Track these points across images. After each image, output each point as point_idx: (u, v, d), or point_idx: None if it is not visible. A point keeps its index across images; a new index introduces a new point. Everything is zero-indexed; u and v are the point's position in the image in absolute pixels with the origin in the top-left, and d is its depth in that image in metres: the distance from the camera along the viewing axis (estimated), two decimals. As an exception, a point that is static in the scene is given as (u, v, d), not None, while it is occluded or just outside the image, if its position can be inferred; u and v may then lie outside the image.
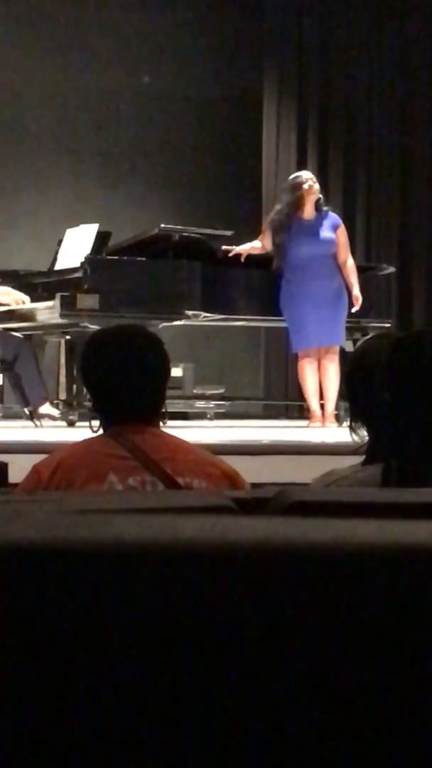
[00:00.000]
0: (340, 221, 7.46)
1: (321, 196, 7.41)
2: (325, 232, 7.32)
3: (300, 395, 7.81)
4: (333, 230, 7.35)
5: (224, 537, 0.78)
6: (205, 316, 7.37)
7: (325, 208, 7.44)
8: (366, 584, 0.79)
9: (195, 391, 9.33)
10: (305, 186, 7.28)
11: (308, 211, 7.30)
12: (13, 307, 7.19)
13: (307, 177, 7.42)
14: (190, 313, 7.21)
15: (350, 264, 7.37)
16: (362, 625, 0.80)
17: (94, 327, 6.39)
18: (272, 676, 0.80)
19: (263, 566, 0.78)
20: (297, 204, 7.28)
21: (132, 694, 0.80)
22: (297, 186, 7.33)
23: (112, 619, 0.79)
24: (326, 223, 7.35)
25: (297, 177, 7.49)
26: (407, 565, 0.80)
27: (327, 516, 0.94)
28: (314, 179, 7.42)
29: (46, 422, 7.03)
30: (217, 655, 0.80)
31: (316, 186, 7.35)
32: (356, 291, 7.30)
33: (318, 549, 0.79)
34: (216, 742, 0.81)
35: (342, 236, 7.38)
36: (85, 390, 3.17)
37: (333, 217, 7.45)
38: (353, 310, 7.29)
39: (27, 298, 7.18)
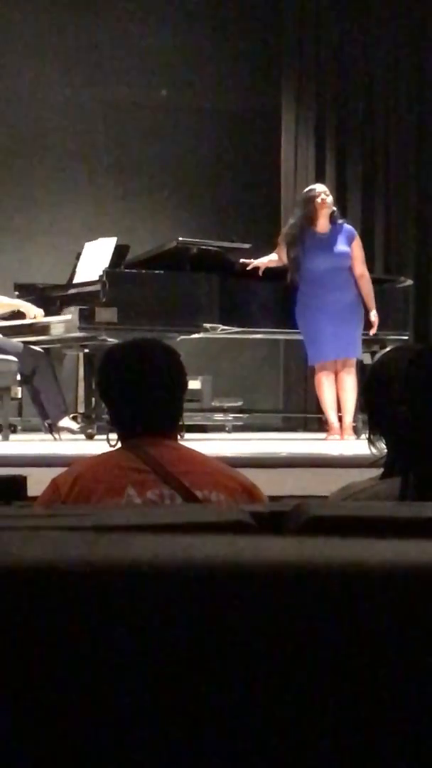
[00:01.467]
0: (355, 233, 7.44)
1: (335, 208, 7.40)
2: (340, 245, 7.30)
3: (318, 407, 7.80)
4: (348, 243, 7.33)
5: (240, 558, 0.77)
6: (223, 329, 7.37)
7: (340, 221, 7.42)
8: (384, 606, 0.79)
9: (213, 403, 9.33)
10: (318, 200, 7.27)
11: (322, 224, 7.29)
12: (29, 321, 7.23)
13: (320, 191, 7.39)
14: (208, 326, 7.22)
15: (366, 277, 7.35)
16: (381, 649, 0.80)
17: (113, 340, 6.40)
18: (290, 700, 0.80)
19: (279, 588, 0.78)
20: (310, 217, 7.26)
21: (146, 716, 0.80)
22: (310, 200, 7.32)
23: (129, 641, 0.79)
24: (341, 236, 7.33)
25: (310, 191, 7.47)
26: (425, 585, 0.79)
27: (345, 532, 0.93)
28: (327, 192, 7.39)
29: (64, 435, 7.04)
30: (232, 677, 0.79)
31: (330, 199, 7.32)
32: (373, 315, 7.27)
33: (335, 570, 0.78)
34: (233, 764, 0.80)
35: (357, 249, 7.35)
36: (103, 403, 3.16)
37: (348, 229, 7.42)
38: (371, 332, 7.27)
39: (41, 312, 7.21)
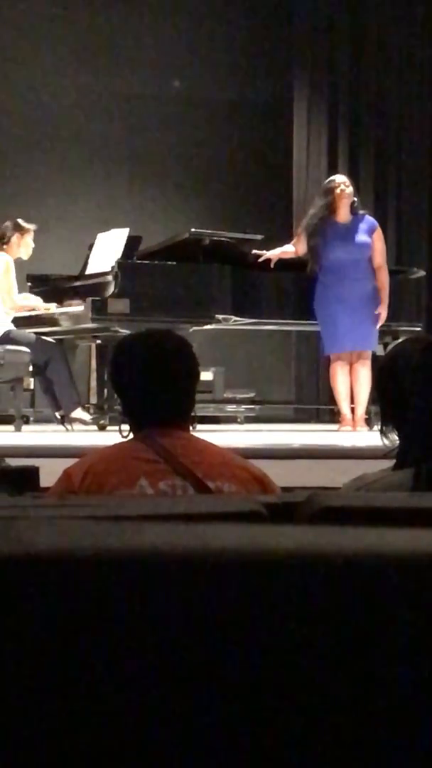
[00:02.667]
0: (376, 225, 7.43)
1: (355, 199, 7.40)
2: (361, 236, 7.30)
3: (331, 399, 7.79)
4: (369, 234, 7.32)
5: (254, 546, 0.78)
6: (235, 320, 7.37)
7: (361, 212, 7.43)
8: (396, 594, 0.79)
9: (225, 395, 9.34)
10: (338, 190, 7.27)
11: (343, 215, 7.29)
12: (41, 312, 7.27)
13: (340, 181, 7.40)
14: (220, 317, 7.21)
15: (384, 270, 7.34)
16: (394, 637, 0.80)
17: (125, 331, 6.40)
18: (303, 688, 0.80)
19: (293, 576, 0.78)
20: (330, 208, 7.27)
21: (159, 704, 0.80)
22: (330, 190, 7.32)
23: (143, 630, 0.79)
24: (362, 227, 7.33)
25: (330, 181, 7.49)
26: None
27: (357, 522, 0.93)
28: (347, 183, 7.39)
29: (77, 426, 7.06)
30: (246, 665, 0.80)
31: (349, 190, 7.32)
32: (383, 307, 7.23)
33: (348, 559, 0.78)
34: (245, 755, 0.81)
35: (378, 240, 7.35)
36: (115, 394, 3.16)
37: (370, 220, 7.42)
38: (377, 325, 7.25)
39: (52, 305, 7.26)
